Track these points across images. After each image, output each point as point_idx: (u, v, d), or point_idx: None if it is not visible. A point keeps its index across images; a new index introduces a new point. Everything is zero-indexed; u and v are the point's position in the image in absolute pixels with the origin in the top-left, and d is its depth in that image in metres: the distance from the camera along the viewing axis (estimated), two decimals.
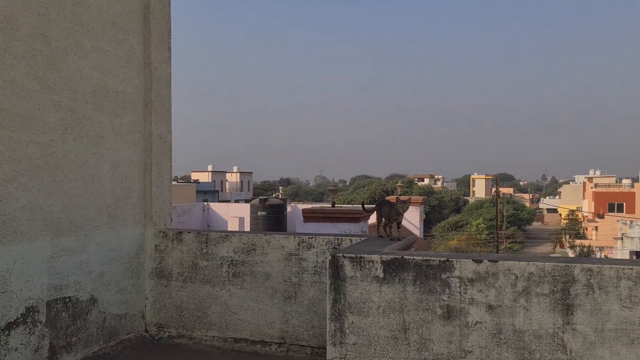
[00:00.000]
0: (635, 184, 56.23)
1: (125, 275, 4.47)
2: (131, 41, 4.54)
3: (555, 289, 2.82)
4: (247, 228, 16.27)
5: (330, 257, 3.31)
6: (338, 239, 4.27)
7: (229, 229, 13.32)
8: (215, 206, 18.68)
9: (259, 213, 15.99)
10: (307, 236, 4.33)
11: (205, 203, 18.75)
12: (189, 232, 4.67)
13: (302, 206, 22.19)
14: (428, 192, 62.74)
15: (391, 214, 4.10)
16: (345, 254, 3.30)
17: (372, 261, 3.23)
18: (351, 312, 3.21)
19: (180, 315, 4.60)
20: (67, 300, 3.87)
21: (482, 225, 52.34)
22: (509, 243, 50.13)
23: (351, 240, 4.20)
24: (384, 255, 3.23)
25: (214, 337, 4.51)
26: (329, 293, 3.31)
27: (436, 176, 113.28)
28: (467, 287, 2.99)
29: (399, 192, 14.83)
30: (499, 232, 38.65)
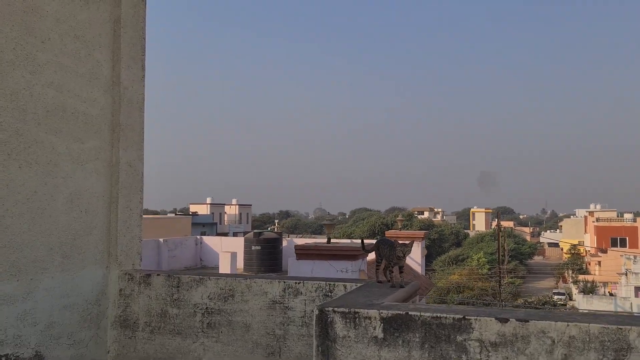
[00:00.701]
0: (638, 219, 55.58)
1: (82, 326, 3.82)
2: (97, 56, 4.00)
3: (604, 358, 2.19)
4: (240, 264, 15.57)
5: (317, 312, 2.69)
6: (330, 284, 3.65)
7: (220, 266, 12.65)
8: (209, 240, 18.01)
9: (253, 247, 15.33)
10: (294, 281, 3.72)
11: (198, 237, 18.09)
12: (158, 275, 4.04)
13: (298, 240, 21.52)
14: (428, 225, 62.01)
15: (391, 257, 3.50)
16: (336, 308, 2.68)
17: (370, 318, 2.60)
18: None
19: None
20: (3, 359, 3.21)
21: (483, 259, 51.51)
22: (511, 277, 49.18)
23: (345, 287, 3.58)
24: (383, 311, 2.60)
25: None
26: (316, 356, 2.67)
27: (436, 209, 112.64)
28: (490, 354, 2.36)
29: (399, 226, 14.25)
30: (501, 266, 37.81)
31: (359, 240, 18.01)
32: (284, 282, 3.78)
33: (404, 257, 3.51)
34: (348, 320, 2.63)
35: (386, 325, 2.56)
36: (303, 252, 7.90)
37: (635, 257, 42.85)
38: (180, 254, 16.44)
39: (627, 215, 62.01)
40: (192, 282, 3.96)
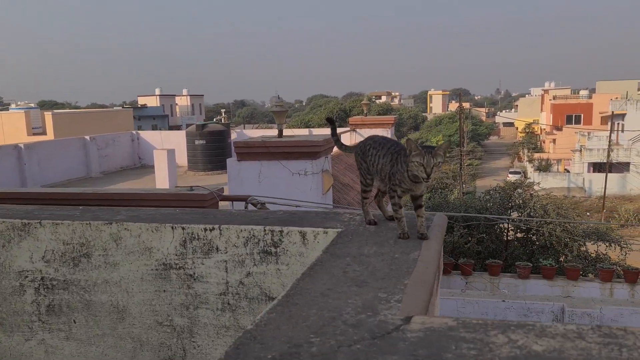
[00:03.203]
0: (593, 95, 55.45)
1: None
2: None
3: None
4: (182, 162, 13.65)
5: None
6: (272, 232, 1.85)
7: (156, 166, 10.72)
8: (148, 135, 15.83)
9: (197, 142, 13.34)
10: (203, 226, 1.88)
11: (134, 132, 15.85)
12: None
13: (251, 132, 19.53)
14: (386, 110, 60.56)
15: (399, 173, 1.72)
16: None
17: None
18: None
19: None
20: None
21: (442, 142, 51.07)
22: (469, 159, 49.21)
23: (303, 237, 1.79)
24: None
25: None
26: None
27: (393, 93, 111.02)
28: None
29: (365, 111, 12.41)
30: (462, 148, 37.18)
31: (319, 131, 16.10)
32: (182, 227, 1.94)
33: (429, 175, 1.73)
34: None
35: None
36: (246, 151, 6.07)
37: (589, 133, 42.88)
38: (113, 153, 14.32)
39: (583, 92, 61.99)
40: (11, 229, 2.09)
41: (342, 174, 8.80)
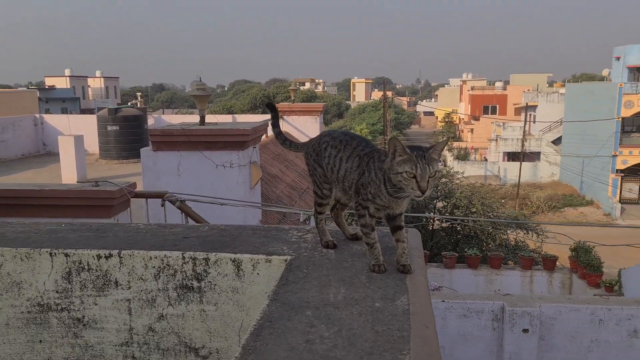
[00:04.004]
0: (508, 87, 57.98)
1: None
2: None
3: None
4: (94, 149, 12.52)
5: None
6: (194, 259, 1.29)
7: (61, 155, 9.62)
8: (54, 119, 14.43)
9: (110, 128, 12.25)
10: (96, 253, 1.29)
11: (37, 115, 14.38)
12: None
13: (171, 117, 18.42)
14: (311, 97, 60.25)
15: (374, 182, 1.23)
16: None
17: None
18: None
19: None
20: None
21: (366, 130, 51.55)
22: None
23: (238, 267, 1.24)
24: None
25: None
26: None
27: (317, 80, 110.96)
28: None
29: (293, 98, 11.81)
30: (385, 137, 37.59)
31: (244, 118, 15.31)
32: (67, 255, 1.35)
33: (424, 192, 1.23)
34: None
35: None
36: (163, 140, 5.35)
37: (504, 123, 44.77)
38: (12, 139, 12.90)
39: (498, 84, 64.70)
40: None
41: (269, 164, 8.24)
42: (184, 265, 1.47)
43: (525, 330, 5.13)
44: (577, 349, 5.16)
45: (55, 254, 1.48)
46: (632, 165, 29.72)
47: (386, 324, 1.02)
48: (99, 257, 1.48)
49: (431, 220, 14.36)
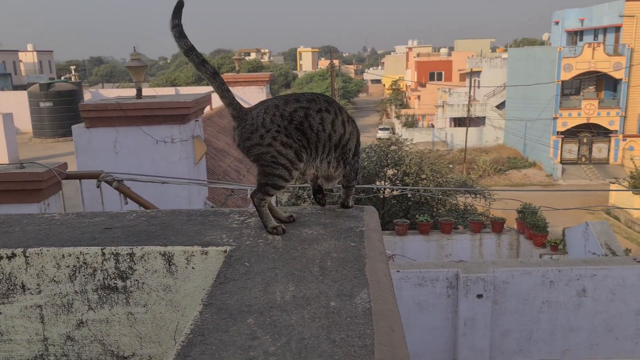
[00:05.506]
0: (453, 53, 58.62)
1: None
2: None
3: None
4: (26, 128, 11.76)
5: None
6: (116, 255, 1.08)
7: None
8: None
9: (42, 105, 11.51)
10: None
11: None
12: None
13: (110, 91, 17.55)
14: (257, 67, 59.16)
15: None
16: None
17: None
18: None
19: None
20: None
21: None
22: None
23: (169, 262, 1.04)
24: None
25: None
26: None
27: (262, 50, 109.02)
28: None
29: (238, 68, 11.40)
30: None
31: (187, 90, 14.71)
32: None
33: None
34: None
35: None
36: (97, 115, 4.94)
37: (450, 89, 45.39)
38: None
39: (443, 50, 65.36)
40: None
41: (215, 138, 7.91)
42: (105, 262, 1.24)
43: (480, 296, 5.15)
44: (529, 311, 5.24)
45: None
46: (571, 127, 30.79)
47: (344, 329, 0.85)
48: None
49: (382, 190, 14.42)
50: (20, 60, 64.57)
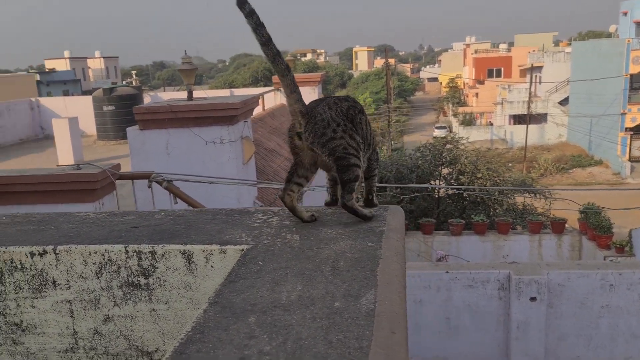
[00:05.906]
0: (512, 49, 56.88)
1: None
2: None
3: None
4: (91, 131, 12.35)
5: None
6: (138, 253, 1.15)
7: (56, 138, 9.46)
8: (49, 102, 14.23)
9: (105, 108, 12.04)
10: (29, 249, 1.10)
11: (33, 99, 14.18)
12: None
13: (170, 95, 18.11)
14: (312, 67, 59.55)
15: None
16: None
17: None
18: None
19: None
20: None
21: (369, 99, 50.97)
22: (397, 115, 49.50)
23: (189, 260, 1.06)
24: None
25: None
26: None
27: (318, 50, 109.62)
28: None
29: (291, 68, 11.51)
30: (389, 105, 37.16)
31: (242, 92, 15.01)
32: None
33: None
34: None
35: None
36: (150, 118, 5.14)
37: (509, 86, 44.02)
38: (9, 124, 12.73)
39: (502, 46, 63.54)
40: None
41: (266, 138, 8.02)
42: (128, 260, 1.28)
43: (533, 299, 4.97)
44: (587, 316, 5.00)
45: None
46: None
47: (343, 330, 0.83)
48: (32, 254, 1.30)
49: (437, 189, 14.16)
50: (89, 67, 67.90)
